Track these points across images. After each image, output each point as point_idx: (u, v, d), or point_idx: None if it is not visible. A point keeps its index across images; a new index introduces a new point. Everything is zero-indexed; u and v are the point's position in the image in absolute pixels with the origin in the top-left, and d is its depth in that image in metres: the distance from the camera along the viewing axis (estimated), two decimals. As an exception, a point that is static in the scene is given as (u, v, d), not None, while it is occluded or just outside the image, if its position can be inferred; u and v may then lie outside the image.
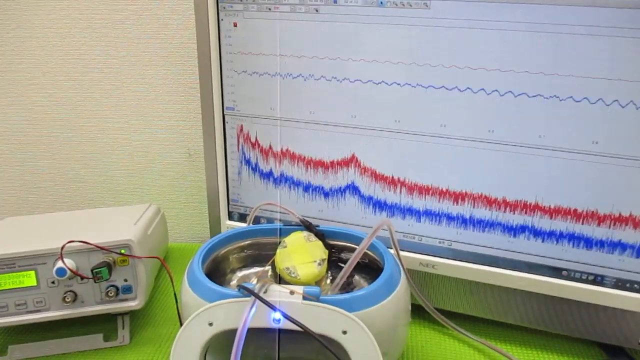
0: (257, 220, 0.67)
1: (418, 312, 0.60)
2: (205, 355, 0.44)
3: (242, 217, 0.69)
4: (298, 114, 0.61)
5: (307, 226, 0.55)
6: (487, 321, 0.61)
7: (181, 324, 0.44)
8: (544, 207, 0.54)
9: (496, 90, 0.52)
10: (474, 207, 0.56)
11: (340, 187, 0.62)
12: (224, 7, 0.60)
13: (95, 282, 0.55)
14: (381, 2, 0.53)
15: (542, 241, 0.55)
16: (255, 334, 0.42)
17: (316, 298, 0.42)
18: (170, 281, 0.58)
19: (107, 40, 0.80)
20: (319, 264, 0.50)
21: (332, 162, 0.61)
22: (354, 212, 0.62)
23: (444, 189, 0.57)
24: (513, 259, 0.56)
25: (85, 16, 0.79)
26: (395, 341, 0.48)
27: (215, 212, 0.69)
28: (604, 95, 0.48)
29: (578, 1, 0.47)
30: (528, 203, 0.54)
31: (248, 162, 0.65)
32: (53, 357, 0.57)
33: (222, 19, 0.61)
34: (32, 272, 0.54)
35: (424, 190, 0.58)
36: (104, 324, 0.62)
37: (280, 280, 0.52)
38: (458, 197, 0.57)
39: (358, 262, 0.50)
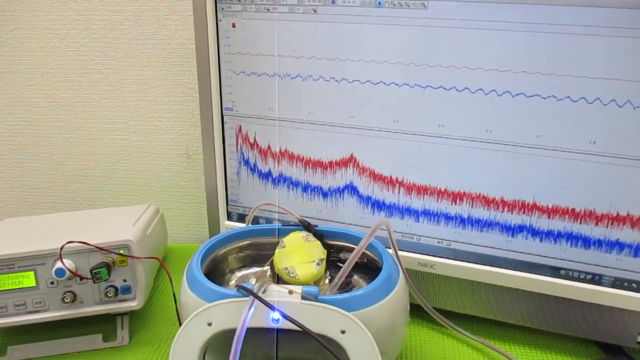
0: (256, 221, 0.67)
1: (417, 311, 0.60)
2: (204, 355, 0.44)
3: (241, 218, 0.69)
4: (296, 114, 0.61)
5: (305, 226, 0.55)
6: (486, 320, 0.61)
7: (180, 324, 0.44)
8: (542, 206, 0.54)
9: (494, 90, 0.52)
10: (472, 206, 0.56)
11: (338, 187, 0.62)
12: (223, 8, 0.60)
13: (94, 282, 0.55)
14: (379, 3, 0.54)
15: (541, 241, 0.55)
16: (254, 334, 0.42)
17: (315, 298, 0.42)
18: (169, 281, 0.58)
19: (105, 41, 0.80)
20: (318, 264, 0.50)
21: (330, 162, 0.61)
22: (353, 212, 0.62)
23: (443, 189, 0.57)
24: (511, 259, 0.57)
25: (84, 17, 0.79)
26: (394, 341, 0.48)
27: (214, 212, 0.69)
28: (601, 95, 0.49)
29: (575, 1, 0.47)
30: (526, 203, 0.54)
31: (247, 162, 0.65)
32: (52, 357, 0.57)
33: (220, 20, 0.61)
34: (31, 273, 0.54)
35: (422, 190, 0.58)
36: (103, 324, 0.62)
37: (279, 280, 0.52)
38: (456, 197, 0.57)
39: (357, 262, 0.50)
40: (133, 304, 0.57)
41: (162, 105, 0.83)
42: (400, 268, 0.50)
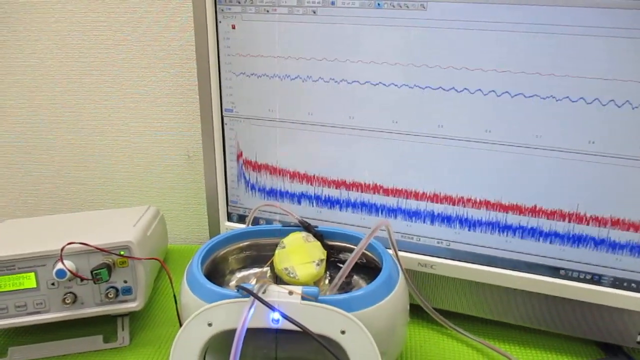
0: (256, 222, 0.67)
1: (417, 312, 0.60)
2: (205, 355, 0.44)
3: (241, 219, 0.69)
4: (296, 116, 0.61)
5: (305, 227, 0.55)
6: (486, 321, 0.61)
7: (181, 325, 0.44)
8: (541, 206, 0.54)
9: (493, 91, 0.52)
10: (471, 207, 0.57)
11: (338, 187, 0.62)
12: (222, 10, 0.60)
13: (94, 283, 0.55)
14: (378, 4, 0.54)
15: (540, 241, 0.55)
16: (255, 334, 0.42)
17: (315, 298, 0.42)
18: (169, 282, 0.58)
19: (106, 43, 0.81)
20: (318, 264, 0.50)
21: (329, 164, 0.61)
22: (353, 213, 0.62)
23: (442, 189, 0.57)
24: (511, 259, 0.57)
25: (84, 19, 0.80)
26: (394, 341, 0.48)
27: (215, 213, 0.69)
28: (600, 95, 0.49)
29: (574, 2, 0.47)
30: (525, 203, 0.54)
31: (247, 181, 0.66)
32: (53, 358, 0.57)
33: (220, 22, 0.61)
34: (32, 274, 0.55)
35: (421, 191, 0.58)
36: (104, 325, 0.62)
37: (279, 280, 0.52)
38: (456, 197, 0.57)
39: (356, 263, 0.50)
40: (133, 305, 0.57)
41: (163, 107, 0.83)
42: (400, 268, 0.50)
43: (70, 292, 0.55)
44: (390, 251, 0.52)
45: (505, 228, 0.56)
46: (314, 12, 0.57)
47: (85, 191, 0.89)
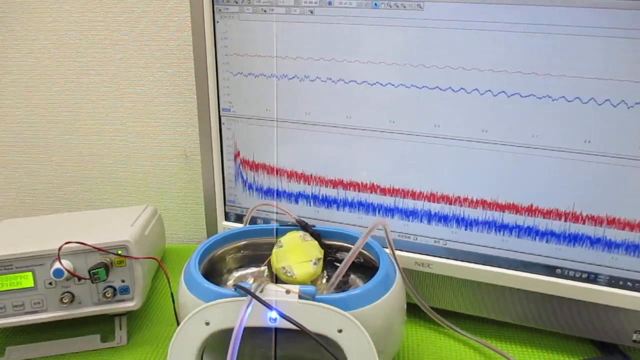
0: (253, 221, 0.67)
1: (414, 311, 0.60)
2: (202, 354, 0.44)
3: (239, 218, 0.69)
4: (294, 115, 0.61)
5: (303, 226, 0.55)
6: (483, 319, 0.62)
7: (178, 324, 0.44)
8: (538, 206, 0.54)
9: (489, 91, 0.52)
10: (468, 206, 0.57)
11: (335, 187, 0.62)
12: (220, 10, 0.61)
13: (92, 283, 0.55)
14: (375, 4, 0.54)
15: (536, 240, 0.55)
16: (252, 333, 0.43)
17: (312, 297, 0.42)
18: (167, 282, 0.59)
19: (103, 43, 0.81)
20: (315, 264, 0.50)
21: (326, 164, 0.61)
22: (350, 213, 0.62)
23: (439, 189, 0.58)
24: (507, 258, 0.57)
25: (82, 19, 0.80)
26: (391, 340, 0.48)
27: (212, 213, 0.69)
28: (596, 95, 0.49)
29: (571, 2, 0.48)
30: (522, 202, 0.55)
31: (245, 181, 0.66)
32: (51, 358, 0.57)
33: (217, 21, 0.61)
34: (30, 274, 0.55)
35: (418, 190, 0.58)
36: (102, 324, 0.62)
37: (276, 279, 0.52)
38: (452, 197, 0.57)
39: (354, 262, 0.50)
40: (131, 304, 0.57)
41: (160, 107, 0.83)
42: (397, 267, 0.51)
43: (67, 292, 0.55)
44: (387, 250, 0.52)
45: (502, 227, 0.56)
46: (311, 12, 0.57)
47: (83, 191, 0.89)
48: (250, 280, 0.56)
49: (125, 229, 0.60)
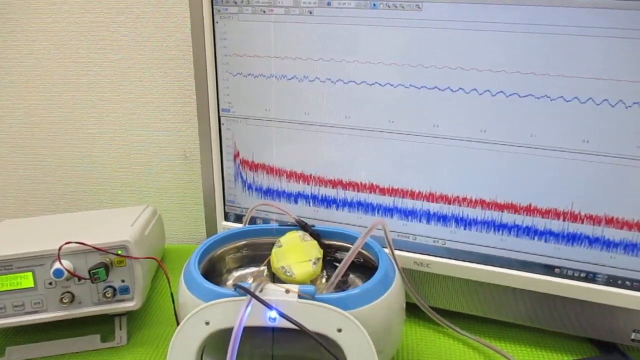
0: (253, 221, 0.67)
1: (413, 310, 0.60)
2: (202, 354, 0.44)
3: (238, 218, 0.69)
4: (293, 115, 0.61)
5: (302, 226, 0.55)
6: (482, 319, 0.62)
7: (178, 324, 0.44)
8: (536, 205, 0.54)
9: (488, 91, 0.52)
10: (467, 206, 0.57)
11: (334, 187, 0.62)
12: (219, 10, 0.61)
13: (92, 283, 0.55)
14: (374, 4, 0.54)
15: (535, 239, 0.55)
16: (252, 333, 0.43)
17: (311, 296, 0.43)
18: (167, 282, 0.59)
19: (103, 44, 0.81)
20: (314, 263, 0.51)
21: (326, 164, 0.62)
22: (349, 213, 0.62)
23: (438, 188, 0.58)
24: (506, 257, 0.57)
25: (81, 20, 0.80)
26: (390, 339, 0.48)
27: (212, 213, 0.70)
28: (594, 95, 0.49)
29: (568, 2, 0.48)
30: (520, 201, 0.55)
31: (244, 181, 0.66)
32: (51, 358, 0.57)
33: (217, 22, 0.61)
34: (30, 274, 0.55)
35: (417, 190, 0.59)
36: (102, 324, 0.62)
37: (276, 279, 0.52)
38: (451, 197, 0.57)
39: (353, 262, 0.50)
40: (131, 304, 0.57)
41: (160, 107, 0.83)
42: (396, 267, 0.51)
43: (67, 292, 0.56)
44: (387, 250, 0.53)
45: (501, 227, 0.56)
46: (310, 13, 0.57)
47: (83, 191, 0.89)
48: (250, 280, 0.56)
49: (125, 229, 0.60)
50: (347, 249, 0.51)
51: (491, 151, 0.54)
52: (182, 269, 0.50)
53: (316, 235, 0.55)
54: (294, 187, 0.64)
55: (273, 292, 0.43)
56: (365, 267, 0.54)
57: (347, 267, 0.49)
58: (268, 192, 0.66)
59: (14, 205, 0.91)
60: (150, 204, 0.88)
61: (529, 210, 0.55)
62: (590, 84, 0.49)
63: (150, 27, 0.79)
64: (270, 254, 0.52)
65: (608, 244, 0.53)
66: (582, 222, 0.53)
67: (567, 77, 0.50)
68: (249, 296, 0.42)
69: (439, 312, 0.60)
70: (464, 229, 0.58)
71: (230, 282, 0.56)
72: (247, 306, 0.41)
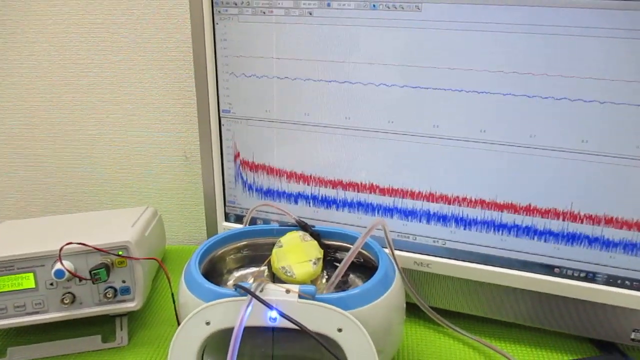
0: (253, 222, 0.68)
1: (413, 310, 0.60)
2: (203, 354, 0.44)
3: (239, 219, 0.69)
4: (293, 116, 0.62)
5: (302, 226, 0.55)
6: (482, 319, 0.62)
7: (179, 324, 0.44)
8: (536, 205, 0.54)
9: (487, 91, 0.53)
10: (467, 206, 0.57)
11: (335, 187, 0.62)
12: (219, 11, 0.61)
13: (93, 283, 0.55)
14: (374, 5, 0.54)
15: (535, 239, 0.55)
16: (252, 333, 0.43)
17: (312, 296, 0.43)
18: (167, 282, 0.59)
19: (104, 45, 0.81)
20: (315, 263, 0.51)
21: (326, 164, 0.62)
22: (349, 213, 0.63)
23: (437, 189, 0.58)
24: (506, 257, 0.57)
25: (81, 21, 0.80)
26: (391, 339, 0.48)
27: (212, 213, 0.70)
28: (594, 95, 0.49)
29: (569, 3, 0.48)
30: (520, 201, 0.55)
31: (245, 182, 0.66)
32: (52, 358, 0.58)
33: (217, 23, 0.61)
34: (31, 274, 0.55)
35: (417, 190, 0.59)
36: (103, 325, 0.62)
37: (276, 279, 0.52)
38: (451, 197, 0.57)
39: (353, 262, 0.50)
40: (132, 305, 0.57)
41: (160, 108, 0.83)
42: (396, 267, 0.51)
43: (68, 292, 0.56)
44: (387, 250, 0.53)
45: (500, 227, 0.56)
46: (310, 14, 0.57)
47: (83, 192, 0.90)
48: (250, 280, 0.56)
49: (126, 229, 0.60)
50: (347, 249, 0.51)
51: (491, 151, 0.54)
52: (183, 269, 0.50)
53: (316, 235, 0.55)
54: (294, 187, 0.64)
55: (273, 292, 0.43)
56: (365, 267, 0.54)
57: (347, 267, 0.49)
58: (268, 193, 0.66)
59: (15, 206, 0.92)
60: (150, 204, 0.88)
61: (529, 210, 0.55)
62: (590, 84, 0.49)
63: (151, 29, 0.79)
64: (270, 254, 0.52)
65: (607, 244, 0.53)
66: (582, 222, 0.53)
67: (566, 77, 0.50)
68: (249, 296, 0.42)
69: (439, 312, 0.60)
70: (464, 229, 0.58)
71: (230, 283, 0.56)
72: (247, 306, 0.41)
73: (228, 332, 0.41)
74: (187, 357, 0.43)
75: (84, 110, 0.85)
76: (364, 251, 0.54)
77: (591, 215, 0.53)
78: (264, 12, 0.59)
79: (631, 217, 0.51)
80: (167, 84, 0.82)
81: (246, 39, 0.61)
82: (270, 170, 0.65)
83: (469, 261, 0.59)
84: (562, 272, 0.56)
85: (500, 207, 0.56)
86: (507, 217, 0.56)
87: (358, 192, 0.61)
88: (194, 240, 0.91)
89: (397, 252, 0.57)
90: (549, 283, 0.55)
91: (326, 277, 0.55)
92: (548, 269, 0.56)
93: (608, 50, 0.48)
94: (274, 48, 0.60)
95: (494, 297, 0.59)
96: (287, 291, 0.43)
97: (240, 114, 0.64)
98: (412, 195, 0.59)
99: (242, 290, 0.42)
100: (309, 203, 0.64)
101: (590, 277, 0.55)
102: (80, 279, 0.55)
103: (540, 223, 0.55)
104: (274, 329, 0.49)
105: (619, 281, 0.54)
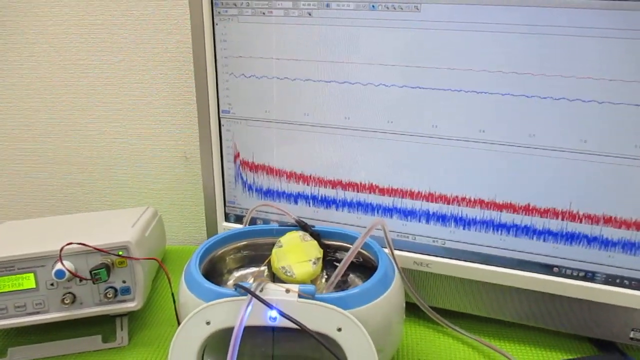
0: (253, 222, 0.68)
1: (413, 310, 0.61)
2: (203, 354, 0.45)
3: (239, 219, 0.69)
4: (292, 116, 0.62)
5: (302, 226, 0.56)
6: (481, 318, 0.62)
7: (179, 324, 0.44)
8: (535, 205, 0.55)
9: (486, 91, 0.53)
10: (466, 206, 0.57)
11: (334, 187, 0.62)
12: (219, 12, 0.61)
13: (93, 283, 0.55)
14: (373, 6, 0.54)
15: (534, 239, 0.56)
16: (252, 332, 0.43)
17: (311, 296, 0.43)
18: (168, 282, 0.59)
19: (103, 46, 0.81)
20: (314, 263, 0.51)
21: (325, 164, 0.62)
22: (349, 213, 0.63)
23: (437, 189, 0.58)
24: (505, 257, 0.57)
25: (81, 22, 0.80)
26: (390, 338, 0.48)
27: (212, 214, 0.70)
28: (592, 95, 0.49)
29: (567, 3, 0.48)
30: (519, 201, 0.55)
31: (245, 182, 0.66)
32: (52, 358, 0.58)
33: (216, 24, 0.62)
34: (31, 275, 0.55)
35: (416, 190, 0.59)
36: (103, 325, 0.62)
37: (276, 279, 0.52)
38: (450, 197, 0.58)
39: (353, 262, 0.50)
40: (132, 305, 0.58)
41: (160, 109, 0.83)
42: (395, 267, 0.51)
43: (69, 293, 0.56)
44: (386, 250, 0.53)
45: (500, 226, 0.56)
46: (309, 14, 0.57)
47: (84, 193, 0.90)
48: (251, 280, 0.56)
49: (126, 230, 0.61)
50: (346, 249, 0.51)
51: (490, 151, 0.55)
52: (183, 269, 0.50)
53: (316, 235, 0.55)
54: (294, 187, 0.64)
55: (273, 291, 0.43)
56: (365, 267, 0.54)
57: (347, 267, 0.49)
58: (268, 193, 0.66)
59: (16, 207, 0.92)
60: (150, 205, 0.88)
61: (528, 209, 0.55)
62: (588, 84, 0.49)
63: (150, 29, 0.79)
64: (270, 254, 0.52)
65: (606, 243, 0.53)
66: (581, 222, 0.54)
67: (565, 77, 0.50)
68: (249, 296, 0.42)
69: (438, 312, 0.60)
70: (463, 228, 0.58)
71: (230, 282, 0.56)
72: (247, 306, 0.41)
73: (228, 331, 0.41)
74: (188, 357, 0.43)
75: (84, 111, 0.85)
76: (363, 251, 0.54)
77: (590, 215, 0.53)
78: (264, 13, 0.59)
79: (630, 217, 0.52)
80: (167, 85, 0.82)
81: (246, 40, 0.61)
82: (270, 171, 0.65)
83: (468, 261, 0.59)
84: (561, 272, 0.56)
85: (500, 207, 0.56)
86: (506, 217, 0.56)
87: (358, 192, 0.62)
88: (194, 241, 0.91)
89: (396, 252, 0.57)
90: (548, 282, 0.56)
91: (326, 276, 0.55)
92: (547, 269, 0.56)
93: (606, 50, 0.48)
94: (273, 48, 0.60)
95: (493, 296, 0.60)
96: (287, 291, 0.43)
97: (240, 114, 0.64)
98: (412, 195, 0.59)
99: (242, 290, 0.43)
100: (309, 203, 0.64)
101: (589, 276, 0.55)
102: (81, 279, 0.55)
103: (539, 223, 0.55)
104: (274, 329, 0.49)
105: (617, 280, 0.54)
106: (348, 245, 0.55)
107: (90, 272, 0.54)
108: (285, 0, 0.58)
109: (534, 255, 0.56)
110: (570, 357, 0.57)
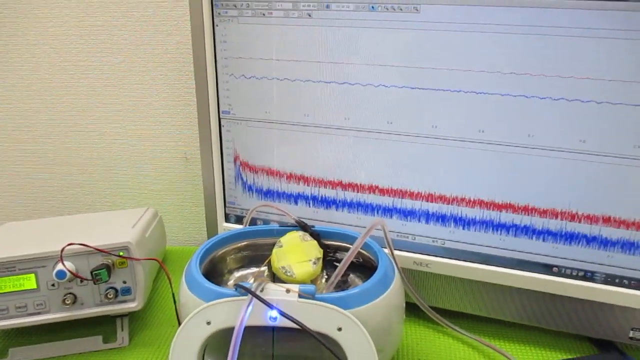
0: (253, 222, 0.68)
1: (413, 310, 0.61)
2: (204, 354, 0.45)
3: (239, 220, 0.69)
4: (293, 117, 0.62)
5: (302, 226, 0.56)
6: (481, 318, 0.62)
7: (180, 325, 0.44)
8: (534, 205, 0.55)
9: (485, 91, 0.53)
10: (465, 206, 0.57)
11: (334, 188, 0.63)
12: (219, 13, 0.61)
13: (94, 284, 0.56)
14: (372, 7, 0.55)
15: (533, 239, 0.56)
16: (252, 332, 0.43)
17: (312, 296, 0.43)
18: (168, 283, 0.59)
19: (103, 47, 0.81)
20: (314, 263, 0.51)
21: (325, 165, 0.62)
22: (349, 213, 0.63)
23: (437, 189, 0.58)
24: (505, 257, 0.57)
25: (82, 23, 0.80)
26: (390, 338, 0.48)
27: (212, 214, 0.70)
28: (591, 95, 0.50)
29: (566, 4, 0.48)
30: (519, 201, 0.55)
31: (244, 183, 0.66)
32: (53, 359, 0.58)
33: (217, 25, 0.62)
34: (32, 275, 0.55)
35: (416, 190, 0.59)
36: (104, 325, 0.62)
37: (276, 279, 0.52)
38: (450, 197, 0.58)
39: (353, 262, 0.50)
40: (133, 305, 0.58)
41: (160, 110, 0.84)
42: (395, 267, 0.51)
43: (70, 293, 0.56)
44: (386, 250, 0.53)
45: (499, 226, 0.57)
46: (309, 15, 0.57)
47: (84, 194, 0.90)
48: (251, 280, 0.56)
49: (127, 230, 0.61)
50: (346, 249, 0.52)
51: (489, 151, 0.55)
52: (184, 269, 0.50)
53: (316, 235, 0.55)
54: (294, 188, 0.65)
55: (274, 291, 0.43)
56: (365, 267, 0.54)
57: (347, 267, 0.50)
58: (268, 194, 0.66)
59: (16, 208, 0.92)
60: (151, 206, 0.88)
61: (527, 209, 0.55)
62: (587, 84, 0.49)
63: (151, 31, 0.79)
64: (270, 255, 0.53)
65: (606, 243, 0.53)
66: (580, 222, 0.54)
67: (563, 77, 0.50)
68: (250, 296, 0.42)
69: (438, 312, 0.60)
70: (463, 228, 0.58)
71: (231, 283, 0.56)
72: (248, 306, 0.42)
73: (229, 331, 0.41)
74: (188, 357, 0.43)
75: (84, 112, 0.85)
76: (363, 251, 0.54)
77: (589, 215, 0.53)
78: (264, 14, 0.59)
79: (629, 217, 0.52)
80: (167, 86, 0.82)
81: (246, 41, 0.61)
82: (270, 171, 0.65)
83: (468, 261, 0.59)
84: (561, 272, 0.56)
85: (499, 207, 0.56)
86: (506, 217, 0.56)
87: (357, 192, 0.62)
88: (194, 241, 0.91)
89: (396, 252, 0.57)
90: (548, 282, 0.56)
91: (326, 276, 0.55)
92: (546, 268, 0.56)
93: (605, 50, 0.48)
94: (273, 49, 0.60)
95: (493, 296, 0.60)
96: (287, 291, 0.43)
97: (240, 115, 0.65)
98: (411, 195, 0.59)
99: (242, 290, 0.43)
100: (309, 203, 0.64)
101: (588, 276, 0.55)
102: (82, 279, 0.55)
103: (538, 222, 0.55)
104: (274, 329, 0.49)
105: (617, 280, 0.54)
106: (348, 245, 0.55)
107: (91, 272, 0.54)
108: (285, 1, 0.58)
109: (534, 255, 0.56)
110: (570, 357, 0.57)
